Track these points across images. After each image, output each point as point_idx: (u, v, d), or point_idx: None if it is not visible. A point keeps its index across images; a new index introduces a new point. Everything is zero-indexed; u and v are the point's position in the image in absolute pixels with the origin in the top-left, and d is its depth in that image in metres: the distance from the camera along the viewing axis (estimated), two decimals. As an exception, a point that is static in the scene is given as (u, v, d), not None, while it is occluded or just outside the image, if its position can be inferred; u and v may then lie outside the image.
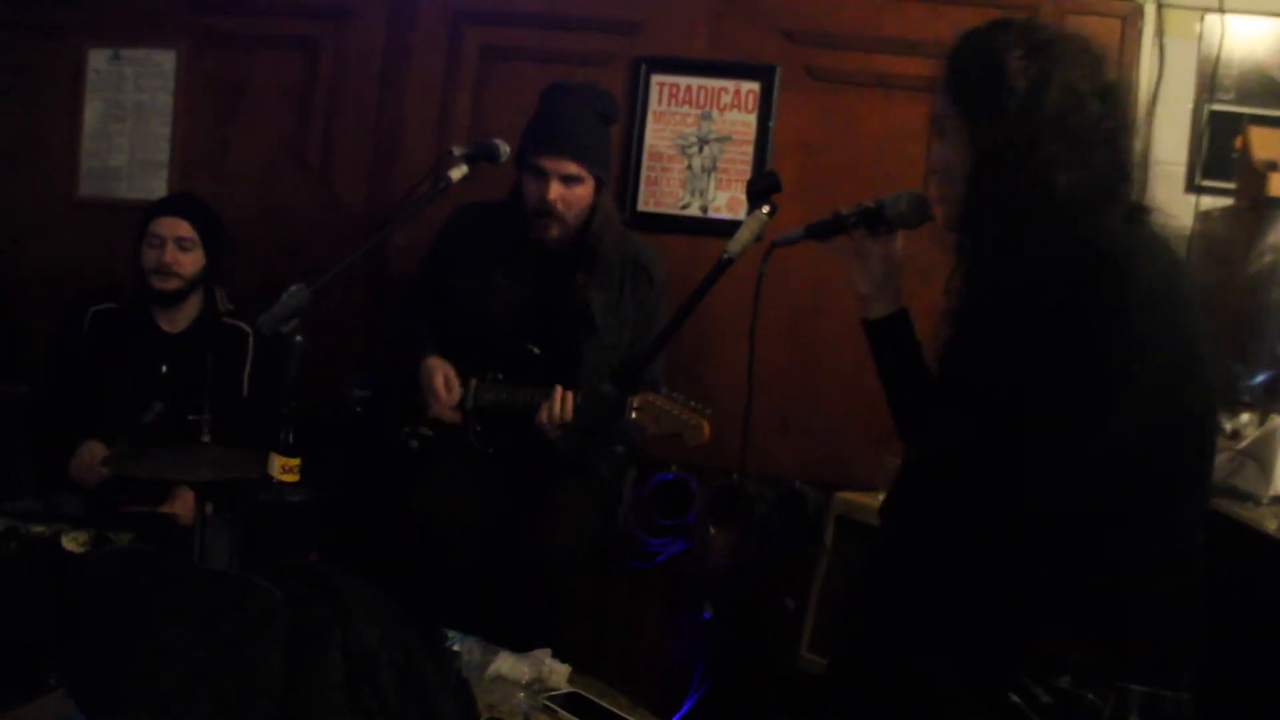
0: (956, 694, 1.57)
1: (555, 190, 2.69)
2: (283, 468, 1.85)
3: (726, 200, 3.26)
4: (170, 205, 3.04)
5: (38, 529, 2.30)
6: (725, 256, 1.85)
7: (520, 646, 2.43)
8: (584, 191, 2.74)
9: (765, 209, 1.86)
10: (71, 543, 2.30)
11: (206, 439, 2.45)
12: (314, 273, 2.98)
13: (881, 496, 2.87)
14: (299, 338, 2.16)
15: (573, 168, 2.70)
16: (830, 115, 3.22)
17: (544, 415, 2.59)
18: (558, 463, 2.70)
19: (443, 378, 2.75)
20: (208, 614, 1.19)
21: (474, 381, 2.80)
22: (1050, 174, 1.55)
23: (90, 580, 1.35)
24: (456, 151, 2.47)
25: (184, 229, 2.97)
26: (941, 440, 1.65)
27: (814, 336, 3.22)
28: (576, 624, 2.86)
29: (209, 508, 2.50)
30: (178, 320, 3.04)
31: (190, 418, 2.49)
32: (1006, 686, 1.54)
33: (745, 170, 3.24)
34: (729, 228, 3.23)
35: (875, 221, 1.87)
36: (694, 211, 3.28)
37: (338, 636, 1.19)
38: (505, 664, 1.99)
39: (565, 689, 2.14)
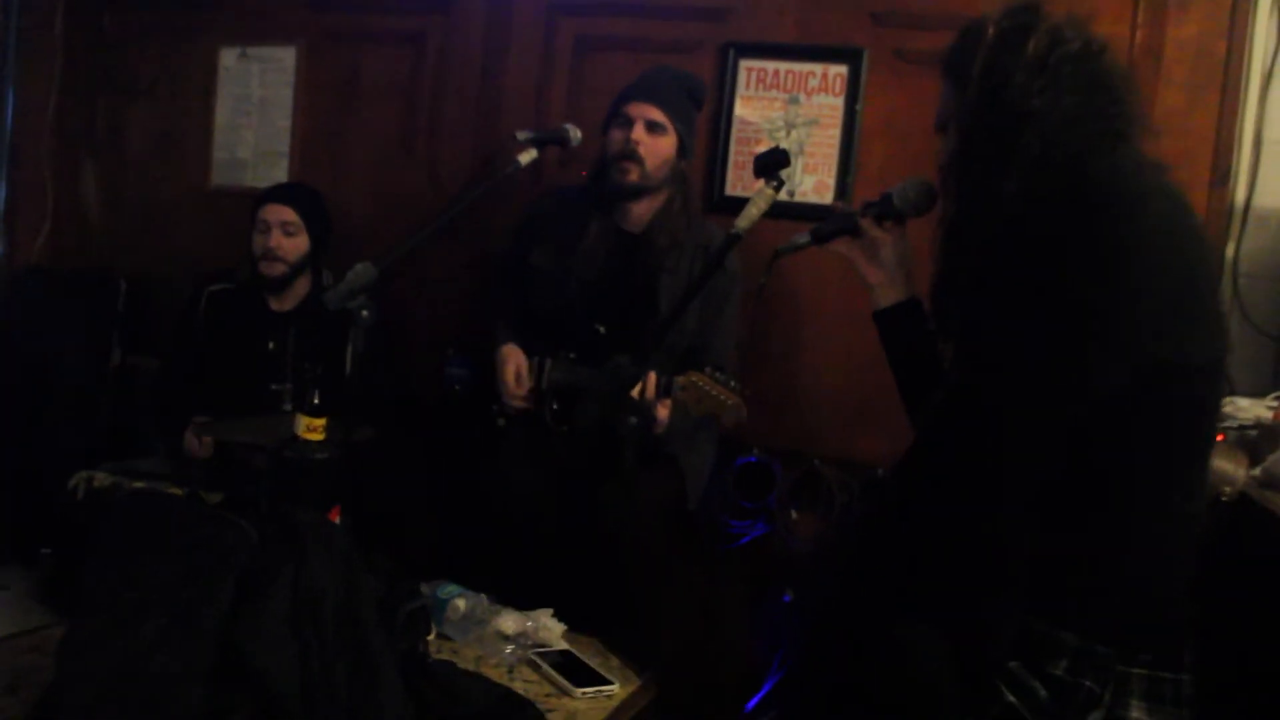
0: (944, 681, 1.54)
1: (639, 131, 2.75)
2: (308, 427, 1.98)
3: (813, 184, 3.25)
4: (276, 193, 3.22)
5: (137, 484, 2.51)
6: (734, 233, 1.87)
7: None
8: (667, 144, 2.79)
9: (773, 184, 1.87)
10: (170, 497, 2.50)
11: (287, 408, 2.61)
12: (421, 256, 3.09)
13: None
14: (365, 313, 2.25)
15: (657, 114, 2.76)
16: (919, 99, 3.12)
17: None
18: (631, 443, 2.74)
19: (513, 370, 2.82)
20: (185, 547, 1.32)
21: (548, 362, 2.87)
22: (1026, 101, 1.54)
23: (113, 515, 1.51)
24: (521, 136, 2.54)
25: (288, 215, 3.16)
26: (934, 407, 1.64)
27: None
28: (655, 604, 2.90)
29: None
30: (286, 300, 3.24)
31: (273, 387, 2.65)
32: (998, 674, 1.51)
33: (832, 155, 3.21)
34: (814, 212, 3.23)
35: (883, 213, 1.91)
36: (780, 196, 3.25)
37: (290, 575, 1.32)
38: (505, 621, 2.07)
39: (559, 646, 2.19)
